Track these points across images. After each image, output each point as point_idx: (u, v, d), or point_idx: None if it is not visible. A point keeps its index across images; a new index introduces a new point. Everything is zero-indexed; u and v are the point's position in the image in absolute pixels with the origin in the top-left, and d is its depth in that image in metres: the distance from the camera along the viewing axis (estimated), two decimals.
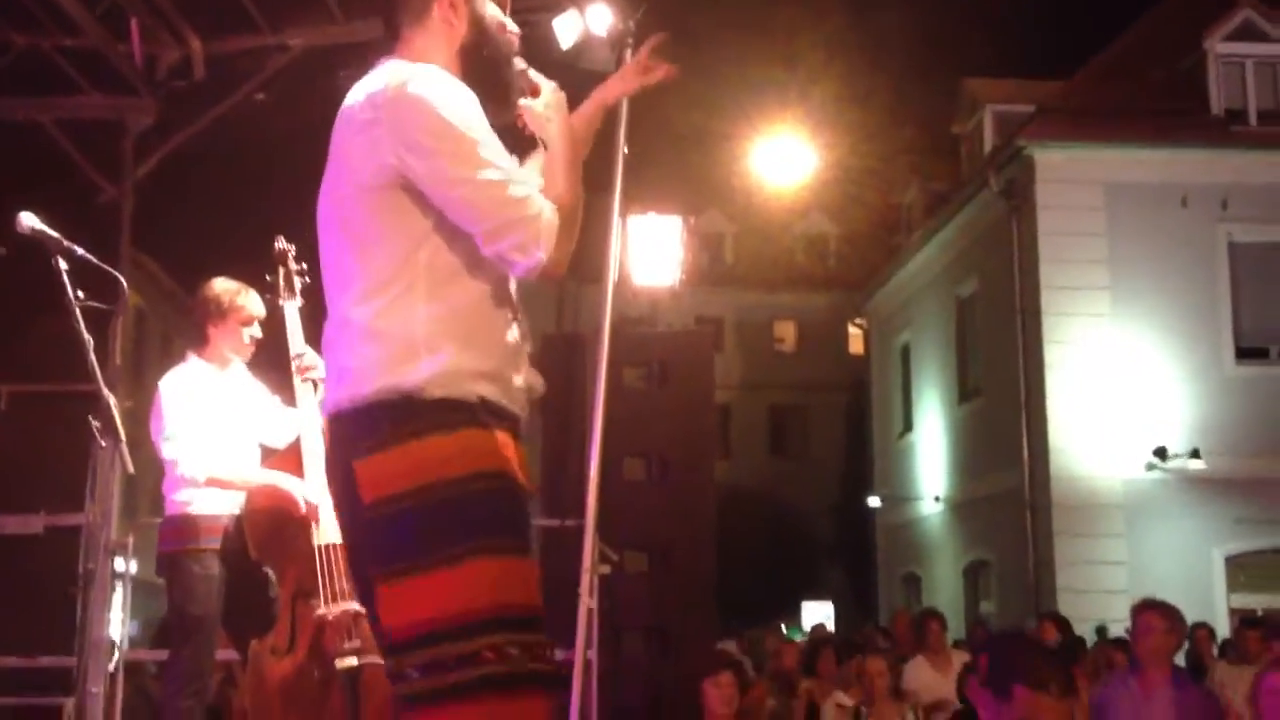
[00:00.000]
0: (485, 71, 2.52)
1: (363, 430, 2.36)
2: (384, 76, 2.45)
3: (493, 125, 2.45)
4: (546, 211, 2.39)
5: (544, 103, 2.56)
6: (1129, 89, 18.02)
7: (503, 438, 2.40)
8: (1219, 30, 18.09)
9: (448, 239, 2.41)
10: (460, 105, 2.40)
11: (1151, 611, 5.65)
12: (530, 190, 2.40)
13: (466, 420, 2.35)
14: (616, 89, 3.00)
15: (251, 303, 4.98)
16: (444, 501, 2.30)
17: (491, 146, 2.40)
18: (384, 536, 2.32)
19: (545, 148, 2.61)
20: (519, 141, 2.60)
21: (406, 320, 2.37)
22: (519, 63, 2.57)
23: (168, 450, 4.77)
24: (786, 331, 35.67)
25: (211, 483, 4.75)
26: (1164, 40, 18.72)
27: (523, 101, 2.57)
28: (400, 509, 2.30)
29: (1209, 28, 18.09)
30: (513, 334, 2.50)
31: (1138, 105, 17.71)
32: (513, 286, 2.55)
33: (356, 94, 2.47)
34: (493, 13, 2.58)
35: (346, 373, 2.41)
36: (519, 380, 2.49)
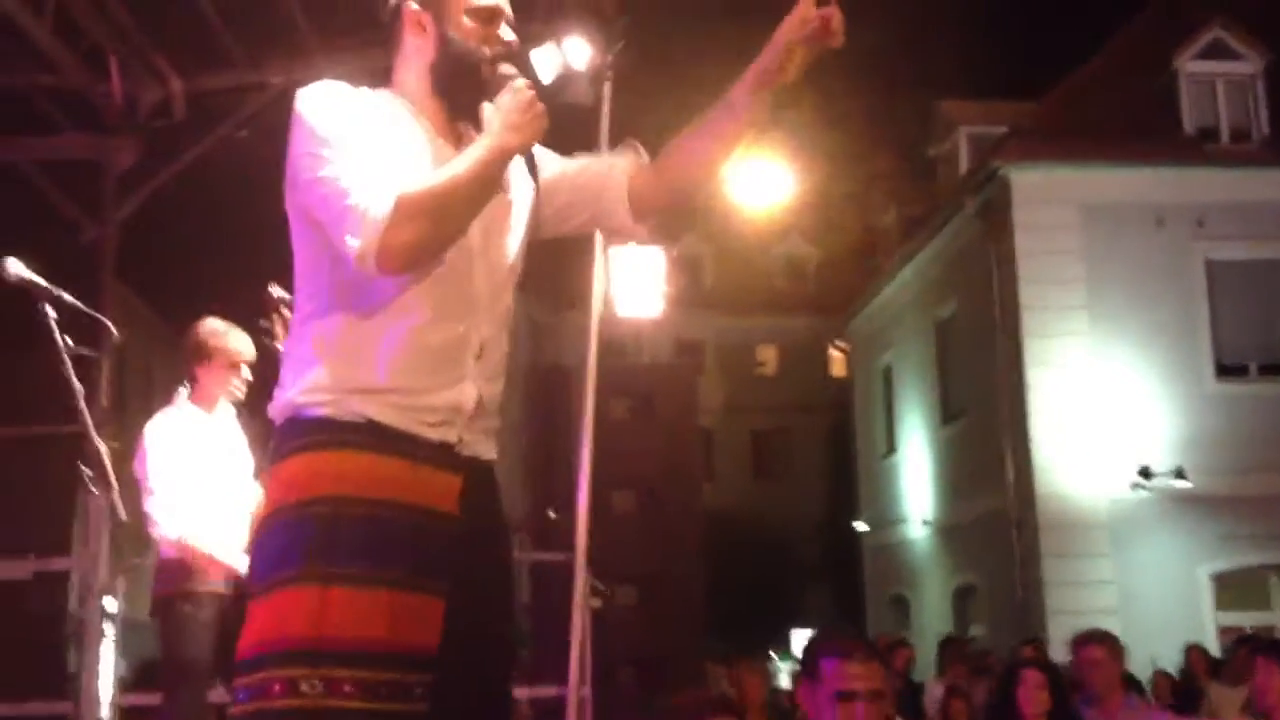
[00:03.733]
0: (464, 90, 2.44)
1: (269, 448, 2.38)
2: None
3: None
4: (373, 203, 2.21)
5: (495, 101, 2.37)
6: (1102, 109, 18.16)
7: (386, 462, 2.27)
8: (1189, 50, 18.25)
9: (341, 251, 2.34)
10: (325, 111, 2.32)
11: (1092, 645, 5.73)
12: (365, 180, 2.25)
13: (336, 441, 2.28)
14: (774, 58, 2.51)
15: (239, 344, 4.93)
16: (291, 521, 2.25)
17: (346, 146, 2.28)
18: (254, 553, 2.33)
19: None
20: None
21: (310, 333, 2.37)
22: (506, 68, 2.43)
23: (148, 505, 4.73)
24: (768, 355, 35.77)
25: (181, 549, 4.69)
26: (1135, 60, 18.87)
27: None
28: (267, 526, 2.30)
29: (1179, 47, 18.26)
30: (432, 342, 2.34)
31: (1111, 125, 17.85)
32: (451, 295, 2.39)
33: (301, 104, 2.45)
34: (466, 26, 2.46)
35: (276, 389, 2.43)
36: (437, 398, 2.33)
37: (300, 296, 2.42)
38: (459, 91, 2.45)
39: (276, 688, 2.16)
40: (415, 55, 2.48)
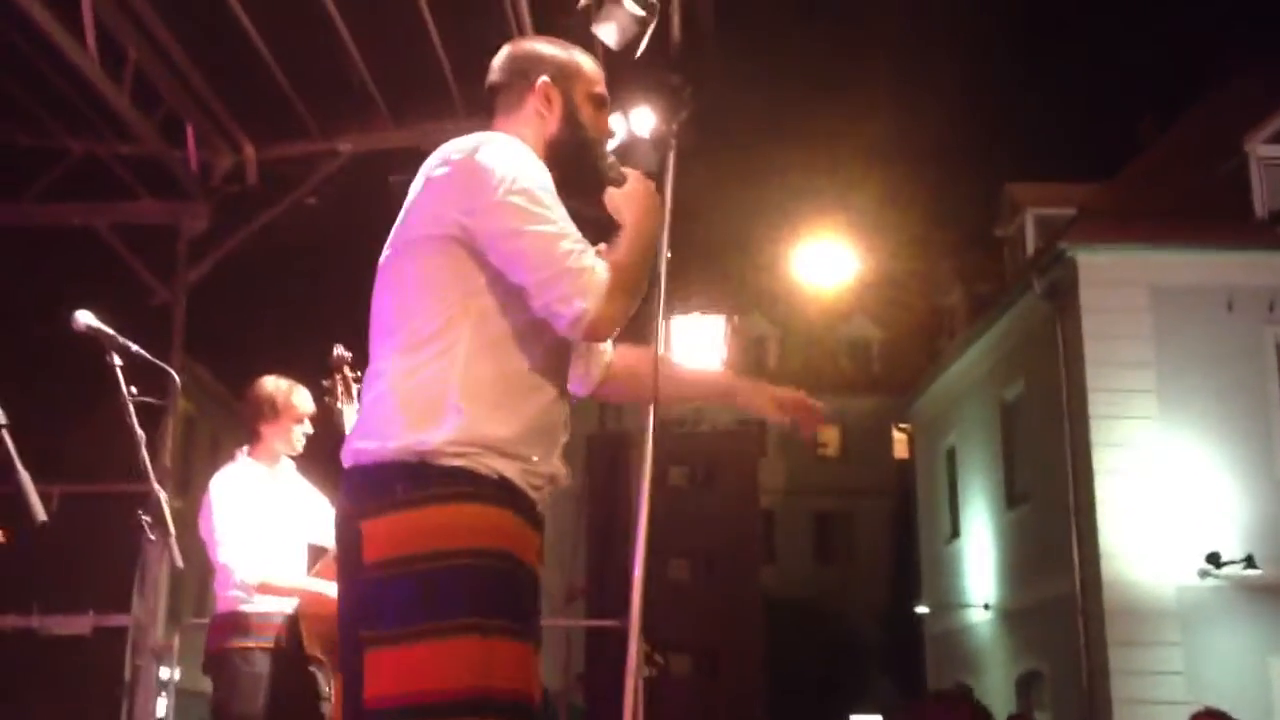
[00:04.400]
0: (574, 165, 2.57)
1: (376, 489, 2.34)
2: (464, 140, 2.50)
3: (581, 217, 2.49)
4: (598, 269, 2.38)
5: (626, 188, 2.58)
6: (1171, 191, 18.02)
7: (515, 520, 2.36)
8: (1260, 133, 18.12)
9: (497, 304, 2.41)
10: (526, 167, 2.44)
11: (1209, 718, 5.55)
12: (584, 247, 2.40)
13: (479, 495, 2.32)
14: (743, 399, 2.98)
15: (303, 400, 5.00)
16: (443, 571, 2.26)
17: (552, 208, 2.41)
18: (379, 599, 2.28)
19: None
20: (605, 232, 2.64)
21: (439, 382, 2.36)
22: (610, 157, 2.63)
23: (221, 555, 4.75)
24: (830, 436, 35.53)
25: (264, 589, 4.73)
26: (1205, 142, 18.76)
27: (609, 190, 2.61)
28: (398, 573, 2.28)
29: (1250, 130, 18.13)
30: (549, 417, 2.48)
31: (1180, 207, 17.69)
32: (563, 374, 2.55)
33: (435, 153, 2.52)
34: (589, 110, 2.63)
35: (369, 427, 2.41)
36: (545, 467, 2.45)
37: (412, 330, 2.41)
38: (574, 169, 2.58)
39: None
40: (535, 126, 2.60)
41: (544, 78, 2.60)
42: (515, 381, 2.41)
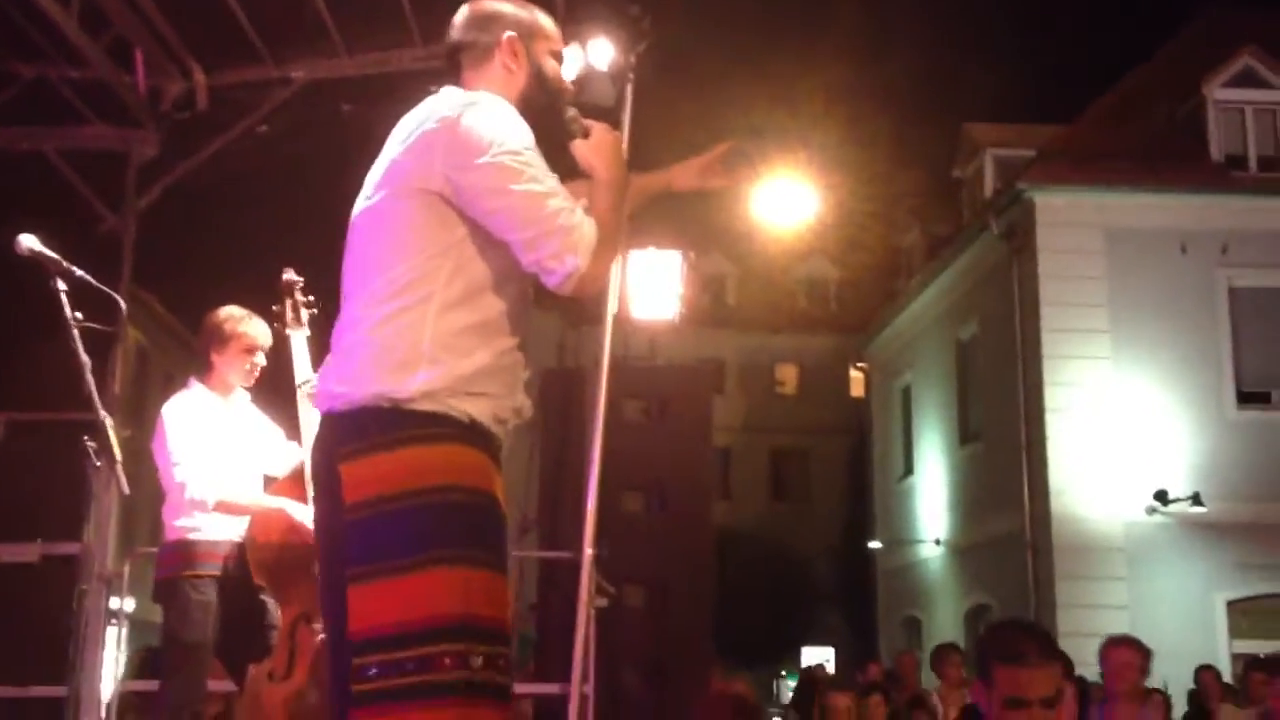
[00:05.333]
0: (540, 118, 2.63)
1: (351, 432, 2.41)
2: (449, 97, 2.58)
3: (550, 169, 2.56)
4: (586, 225, 2.47)
5: (594, 140, 2.66)
6: (1129, 134, 18.12)
7: (485, 459, 2.46)
8: (1218, 77, 18.21)
9: (474, 255, 2.49)
10: (515, 127, 2.51)
11: (1125, 647, 5.63)
12: (572, 205, 2.48)
13: (451, 436, 2.41)
14: (678, 182, 3.09)
15: (256, 330, 4.96)
16: (422, 508, 2.34)
17: (540, 167, 2.49)
18: (362, 538, 2.35)
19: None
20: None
21: (414, 330, 2.43)
22: (571, 110, 2.71)
23: (177, 474, 4.73)
24: (788, 374, 35.66)
25: (220, 507, 4.72)
26: (1163, 86, 18.84)
27: (575, 142, 2.69)
28: (379, 512, 2.35)
29: (1208, 74, 18.21)
30: (514, 357, 2.56)
31: (1137, 150, 17.80)
32: (526, 318, 2.63)
33: (419, 109, 2.59)
34: (551, 65, 2.72)
35: (346, 372, 2.47)
36: (511, 401, 2.55)
37: (389, 280, 2.47)
38: (543, 122, 2.65)
39: (448, 660, 2.28)
40: (504, 81, 2.68)
41: (509, 33, 2.68)
42: (486, 328, 2.50)
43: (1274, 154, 18.17)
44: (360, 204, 2.60)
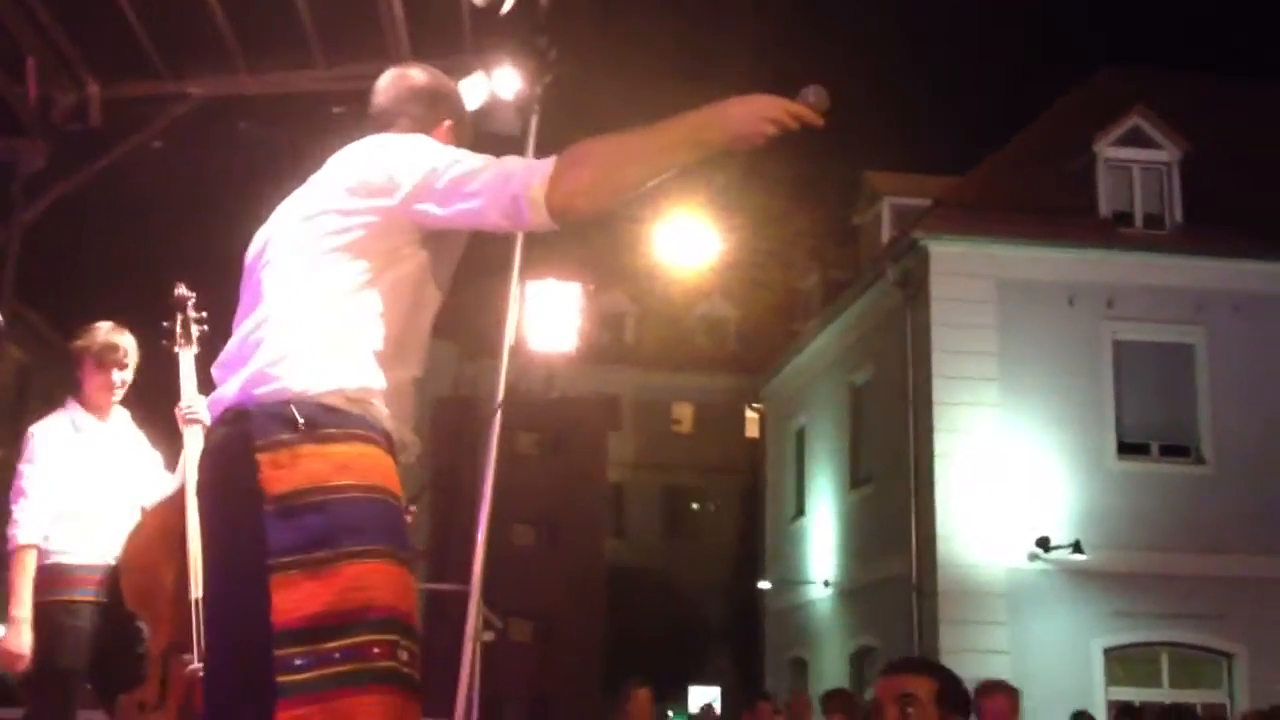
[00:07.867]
0: None
1: (275, 425, 2.40)
2: (390, 136, 2.67)
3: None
4: (534, 162, 2.45)
5: (753, 99, 2.56)
6: (1022, 187, 18.56)
7: (395, 468, 2.51)
8: (1109, 135, 18.75)
9: (405, 273, 2.54)
10: (432, 142, 2.61)
11: (999, 694, 5.81)
12: (498, 160, 2.50)
13: (376, 440, 2.46)
14: (743, 126, 2.51)
15: (120, 343, 4.82)
16: (354, 502, 2.37)
17: (463, 152, 2.56)
18: (290, 528, 2.34)
19: None
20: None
21: (347, 333, 2.47)
22: None
23: (12, 504, 4.60)
24: (684, 413, 35.82)
25: (13, 559, 4.58)
26: (1056, 142, 19.35)
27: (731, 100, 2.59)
28: (309, 503, 2.35)
29: (1099, 132, 18.74)
30: (411, 391, 2.61)
31: (1030, 203, 18.24)
32: (424, 355, 2.66)
33: (359, 143, 2.66)
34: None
35: (267, 368, 2.46)
36: (405, 435, 2.58)
37: (321, 284, 2.50)
38: None
39: (376, 650, 2.28)
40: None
41: (449, 121, 2.78)
42: (404, 347, 2.55)
43: (1159, 212, 18.74)
44: (285, 217, 2.63)
